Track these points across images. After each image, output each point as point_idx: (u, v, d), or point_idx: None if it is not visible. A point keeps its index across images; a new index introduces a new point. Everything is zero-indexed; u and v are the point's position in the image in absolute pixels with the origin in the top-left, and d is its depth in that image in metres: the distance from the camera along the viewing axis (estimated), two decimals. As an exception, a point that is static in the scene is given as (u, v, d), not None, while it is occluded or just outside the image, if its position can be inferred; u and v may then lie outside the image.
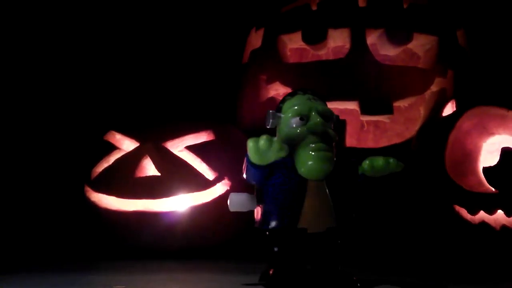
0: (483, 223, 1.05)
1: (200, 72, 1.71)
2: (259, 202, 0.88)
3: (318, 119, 0.85)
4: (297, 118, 0.85)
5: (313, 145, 0.84)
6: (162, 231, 1.15)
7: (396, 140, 1.44)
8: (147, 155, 1.15)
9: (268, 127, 0.89)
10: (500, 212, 1.03)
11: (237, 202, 0.88)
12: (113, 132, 1.22)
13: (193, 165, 1.15)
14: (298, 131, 0.85)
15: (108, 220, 1.16)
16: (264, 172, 0.84)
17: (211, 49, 1.73)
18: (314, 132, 0.84)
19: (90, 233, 1.25)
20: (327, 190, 0.84)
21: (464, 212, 1.07)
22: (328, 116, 0.87)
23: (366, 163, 0.86)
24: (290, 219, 0.84)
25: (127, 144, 1.20)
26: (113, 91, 1.62)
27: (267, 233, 0.87)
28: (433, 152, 1.10)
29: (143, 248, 1.18)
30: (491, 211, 1.03)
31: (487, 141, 1.09)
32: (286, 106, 0.89)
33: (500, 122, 1.07)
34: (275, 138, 0.81)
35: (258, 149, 0.80)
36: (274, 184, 0.85)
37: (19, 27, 1.61)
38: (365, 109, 1.38)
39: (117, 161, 1.17)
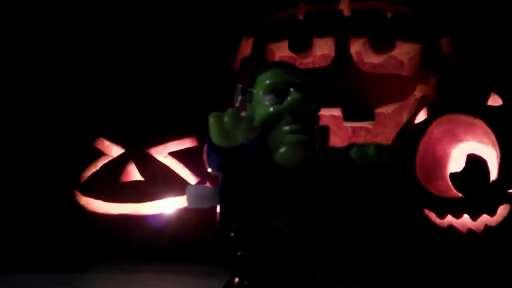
0: (451, 227, 1.08)
1: (193, 79, 1.76)
2: (223, 197, 0.72)
3: (297, 96, 0.71)
4: (272, 94, 0.72)
5: (290, 127, 0.70)
6: (148, 233, 1.21)
7: (386, 145, 1.48)
8: (131, 160, 1.22)
9: (237, 105, 0.75)
10: (466, 216, 1.06)
11: (196, 196, 0.74)
12: (102, 139, 1.29)
13: (176, 170, 1.22)
14: (272, 109, 0.71)
15: (96, 223, 1.23)
16: (229, 157, 0.70)
17: (204, 57, 1.79)
18: (292, 111, 0.71)
19: (80, 236, 1.32)
20: (306, 183, 0.71)
21: (433, 216, 1.10)
22: (309, 93, 0.73)
23: (354, 151, 0.72)
24: (260, 217, 0.70)
25: (115, 150, 1.27)
26: (103, 98, 1.68)
27: (232, 234, 0.73)
28: (404, 157, 1.14)
29: (130, 250, 1.24)
30: (458, 215, 1.07)
31: (456, 148, 1.13)
32: (259, 80, 0.75)
33: (468, 129, 1.10)
34: (244, 113, 0.65)
35: (221, 127, 0.64)
36: (241, 173, 0.71)
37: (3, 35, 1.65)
38: (348, 116, 1.42)
39: (104, 166, 1.25)
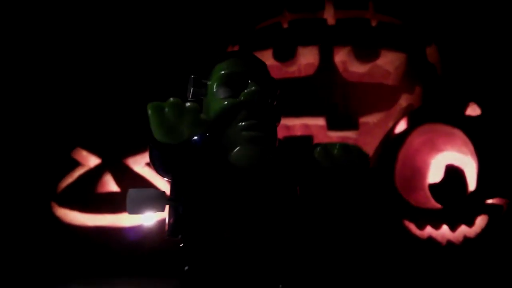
0: (430, 238, 1.06)
1: (174, 89, 1.75)
2: (170, 202, 0.64)
3: (255, 88, 0.64)
4: (227, 87, 0.65)
5: (245, 123, 0.63)
6: (127, 246, 1.20)
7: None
8: (108, 171, 1.21)
9: (190, 98, 0.67)
10: (445, 227, 1.04)
11: (136, 201, 0.62)
12: (80, 148, 1.28)
13: (153, 181, 1.20)
14: (226, 103, 0.64)
15: (72, 235, 1.22)
16: (174, 156, 0.60)
17: (188, 66, 1.78)
18: (248, 105, 0.63)
19: (57, 249, 1.30)
20: (265, 186, 0.63)
21: (413, 227, 1.09)
22: (270, 86, 0.66)
23: (317, 150, 0.66)
24: (211, 225, 0.62)
25: (92, 161, 1.26)
26: (81, 107, 1.66)
27: (181, 244, 0.65)
28: (384, 168, 1.13)
29: (108, 263, 1.22)
30: (437, 226, 1.05)
31: (435, 157, 1.11)
32: (215, 71, 0.67)
33: (447, 139, 1.09)
34: (190, 104, 0.57)
35: (162, 120, 0.56)
36: (189, 174, 0.62)
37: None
38: (332, 125, 1.41)
39: (80, 176, 1.23)
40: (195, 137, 0.64)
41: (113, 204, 1.18)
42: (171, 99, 0.56)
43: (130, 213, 0.66)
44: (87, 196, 1.19)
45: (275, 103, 0.68)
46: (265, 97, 0.65)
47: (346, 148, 0.67)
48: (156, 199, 0.63)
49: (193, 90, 0.67)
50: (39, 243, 1.35)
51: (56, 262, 1.30)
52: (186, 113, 0.56)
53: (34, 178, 1.43)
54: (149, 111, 0.58)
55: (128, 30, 1.76)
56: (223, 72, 0.66)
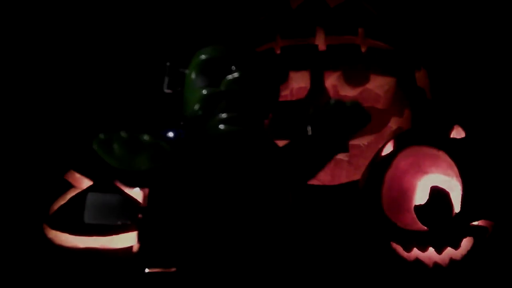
0: (417, 260, 1.07)
1: (165, 112, 1.77)
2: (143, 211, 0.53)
3: (237, 76, 0.55)
4: (206, 75, 0.56)
5: (223, 115, 0.54)
6: (119, 268, 1.21)
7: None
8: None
9: (165, 91, 0.60)
10: (431, 249, 1.05)
11: (94, 208, 0.51)
12: (73, 171, 1.30)
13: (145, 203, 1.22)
14: (205, 92, 0.55)
15: (64, 257, 1.23)
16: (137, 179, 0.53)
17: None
18: (228, 95, 0.54)
19: (50, 271, 1.31)
20: (252, 196, 0.53)
21: (400, 249, 1.10)
22: (256, 75, 0.56)
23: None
24: (186, 254, 0.52)
25: (85, 183, 1.27)
26: (73, 130, 1.68)
27: (146, 270, 0.54)
28: (371, 190, 1.14)
29: (99, 286, 1.23)
30: (423, 248, 1.06)
31: (422, 180, 1.13)
32: (194, 58, 0.59)
33: (433, 161, 1.11)
34: (145, 139, 0.48)
35: (113, 157, 0.50)
36: (159, 188, 0.52)
37: None
38: (322, 147, 1.43)
39: (72, 198, 1.25)
40: (170, 133, 0.56)
41: (106, 225, 1.19)
42: (122, 133, 0.49)
43: (88, 221, 0.54)
44: (79, 218, 1.20)
45: (265, 95, 0.58)
46: (250, 86, 0.56)
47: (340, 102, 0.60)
48: (120, 207, 0.52)
49: (168, 80, 0.58)
50: (31, 265, 1.36)
51: (47, 285, 1.30)
52: (139, 151, 0.49)
53: (27, 200, 1.45)
54: (95, 147, 0.51)
55: (121, 40, 1.74)
56: (202, 57, 0.58)
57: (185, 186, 0.55)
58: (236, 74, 0.56)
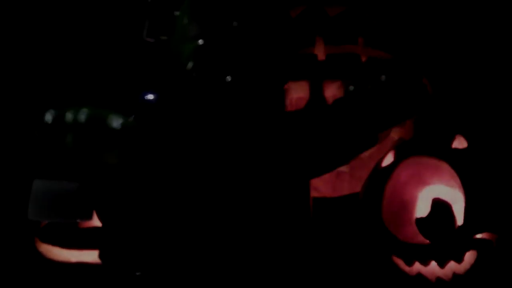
0: (419, 275, 1.04)
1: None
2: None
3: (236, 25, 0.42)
4: (201, 22, 0.42)
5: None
6: (111, 283, 1.18)
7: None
8: (92, 206, 1.19)
9: (145, 38, 0.46)
10: (434, 263, 1.02)
11: (48, 198, 0.41)
12: (65, 183, 1.28)
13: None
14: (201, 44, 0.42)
15: (55, 271, 1.20)
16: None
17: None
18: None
19: (40, 286, 1.28)
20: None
21: (401, 263, 1.06)
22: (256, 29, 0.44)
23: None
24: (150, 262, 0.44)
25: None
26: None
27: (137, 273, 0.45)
28: (371, 201, 1.11)
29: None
30: (425, 262, 1.02)
31: (423, 191, 1.09)
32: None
33: (434, 172, 1.08)
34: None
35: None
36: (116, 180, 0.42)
37: None
38: (323, 159, 1.40)
39: (64, 212, 1.22)
40: (149, 96, 0.43)
41: (97, 239, 1.16)
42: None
43: (33, 216, 0.45)
44: (71, 232, 1.18)
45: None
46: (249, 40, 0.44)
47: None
48: (77, 197, 0.43)
49: (149, 24, 0.44)
50: (21, 280, 1.33)
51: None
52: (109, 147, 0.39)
53: (18, 214, 1.42)
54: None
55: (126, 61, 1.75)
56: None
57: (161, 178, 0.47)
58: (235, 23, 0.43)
